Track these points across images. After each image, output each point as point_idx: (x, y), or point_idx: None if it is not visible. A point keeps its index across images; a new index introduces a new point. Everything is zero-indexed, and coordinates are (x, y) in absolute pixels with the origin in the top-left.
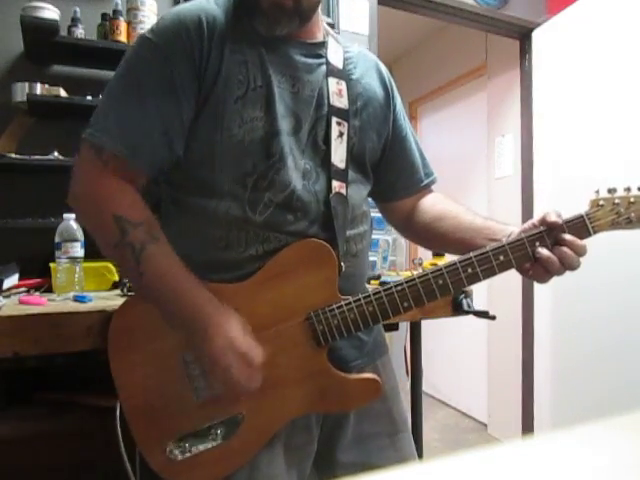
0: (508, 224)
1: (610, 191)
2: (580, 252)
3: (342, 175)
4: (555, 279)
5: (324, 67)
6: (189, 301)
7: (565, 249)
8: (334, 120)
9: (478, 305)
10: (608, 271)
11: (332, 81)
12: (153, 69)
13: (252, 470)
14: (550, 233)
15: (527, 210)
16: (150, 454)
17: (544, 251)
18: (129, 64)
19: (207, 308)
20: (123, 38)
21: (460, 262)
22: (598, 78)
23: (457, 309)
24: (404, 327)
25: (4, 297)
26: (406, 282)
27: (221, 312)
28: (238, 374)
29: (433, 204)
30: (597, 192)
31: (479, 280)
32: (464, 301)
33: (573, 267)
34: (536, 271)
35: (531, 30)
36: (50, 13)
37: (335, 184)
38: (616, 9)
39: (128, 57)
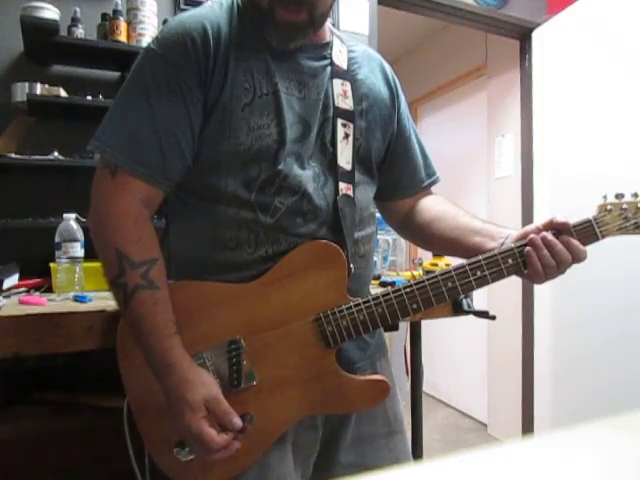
0: (506, 226)
1: (618, 196)
2: (582, 257)
3: (349, 177)
4: (556, 279)
5: (329, 69)
6: (159, 360)
7: (563, 249)
8: (339, 122)
9: (478, 305)
10: (608, 271)
11: (337, 82)
12: (160, 81)
13: (263, 469)
14: (558, 236)
15: (527, 210)
16: (158, 454)
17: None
18: (136, 77)
19: (173, 375)
20: (123, 38)
21: (469, 265)
22: (598, 78)
23: (457, 309)
24: (404, 327)
25: (4, 297)
26: (415, 284)
27: (186, 382)
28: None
29: (432, 205)
30: (605, 197)
31: (487, 283)
32: (464, 301)
33: (563, 268)
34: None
35: (531, 30)
36: (50, 13)
37: (342, 186)
38: (616, 9)
39: (134, 70)
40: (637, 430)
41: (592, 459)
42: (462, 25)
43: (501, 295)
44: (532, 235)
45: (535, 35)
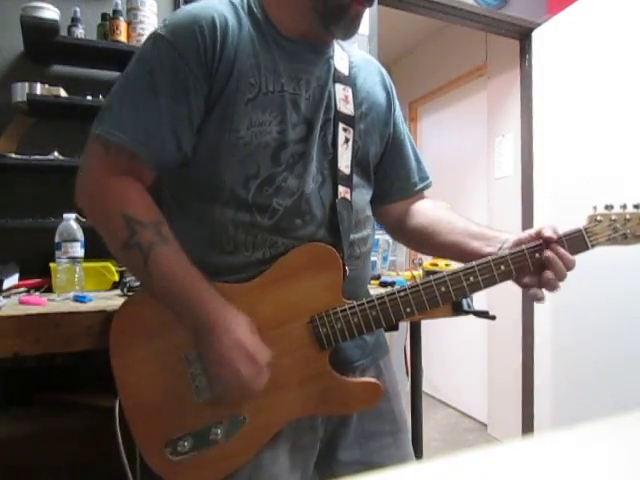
0: (502, 231)
1: (607, 207)
2: (570, 266)
3: (347, 180)
4: None
5: (332, 72)
6: (196, 301)
7: (558, 260)
8: (340, 126)
9: (478, 305)
10: (607, 272)
11: (339, 87)
12: (167, 67)
13: (254, 469)
14: (549, 245)
15: (527, 210)
16: (149, 454)
17: (550, 254)
18: (142, 61)
19: (214, 308)
20: (123, 38)
21: (462, 271)
22: (598, 78)
23: (457, 309)
24: (404, 327)
25: (4, 297)
26: (409, 288)
27: (229, 312)
28: (246, 375)
29: (427, 209)
30: (595, 208)
31: (480, 289)
32: (464, 301)
33: (562, 279)
34: (535, 281)
35: (531, 30)
36: (50, 13)
37: (341, 189)
38: (616, 9)
39: (141, 54)
40: (637, 430)
41: (592, 459)
42: (462, 25)
43: (501, 295)
44: (549, 253)
45: (535, 35)
